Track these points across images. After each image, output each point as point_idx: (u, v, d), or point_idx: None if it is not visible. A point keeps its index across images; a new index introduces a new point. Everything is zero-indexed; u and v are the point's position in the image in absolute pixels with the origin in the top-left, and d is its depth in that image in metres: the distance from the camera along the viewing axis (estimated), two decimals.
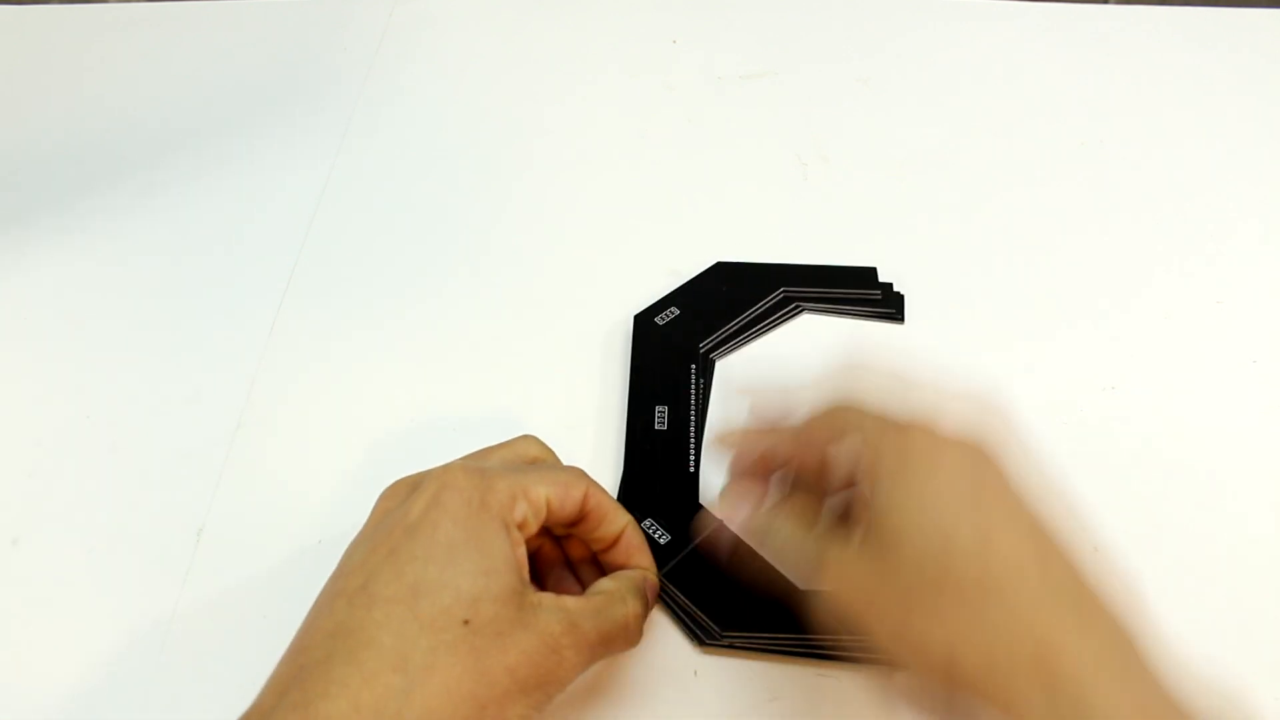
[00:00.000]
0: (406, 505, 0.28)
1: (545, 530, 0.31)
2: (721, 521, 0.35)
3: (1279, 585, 0.35)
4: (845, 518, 0.29)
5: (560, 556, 0.33)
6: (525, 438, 0.33)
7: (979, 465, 0.26)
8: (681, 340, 0.42)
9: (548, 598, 0.28)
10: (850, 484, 0.29)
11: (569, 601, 0.28)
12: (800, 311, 0.43)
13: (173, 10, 0.61)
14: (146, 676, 0.34)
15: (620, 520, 0.32)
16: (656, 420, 0.39)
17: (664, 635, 0.34)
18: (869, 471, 0.27)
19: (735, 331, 0.42)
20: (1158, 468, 0.38)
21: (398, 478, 0.31)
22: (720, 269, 0.45)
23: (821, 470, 0.30)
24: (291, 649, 0.27)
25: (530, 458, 0.33)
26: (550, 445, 0.34)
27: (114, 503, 0.38)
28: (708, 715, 0.32)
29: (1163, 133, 0.52)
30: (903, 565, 0.25)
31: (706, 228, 0.47)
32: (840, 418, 0.29)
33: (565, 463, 0.34)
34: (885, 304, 0.43)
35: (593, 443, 0.39)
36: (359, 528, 0.30)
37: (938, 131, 0.52)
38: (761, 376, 0.41)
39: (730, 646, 0.33)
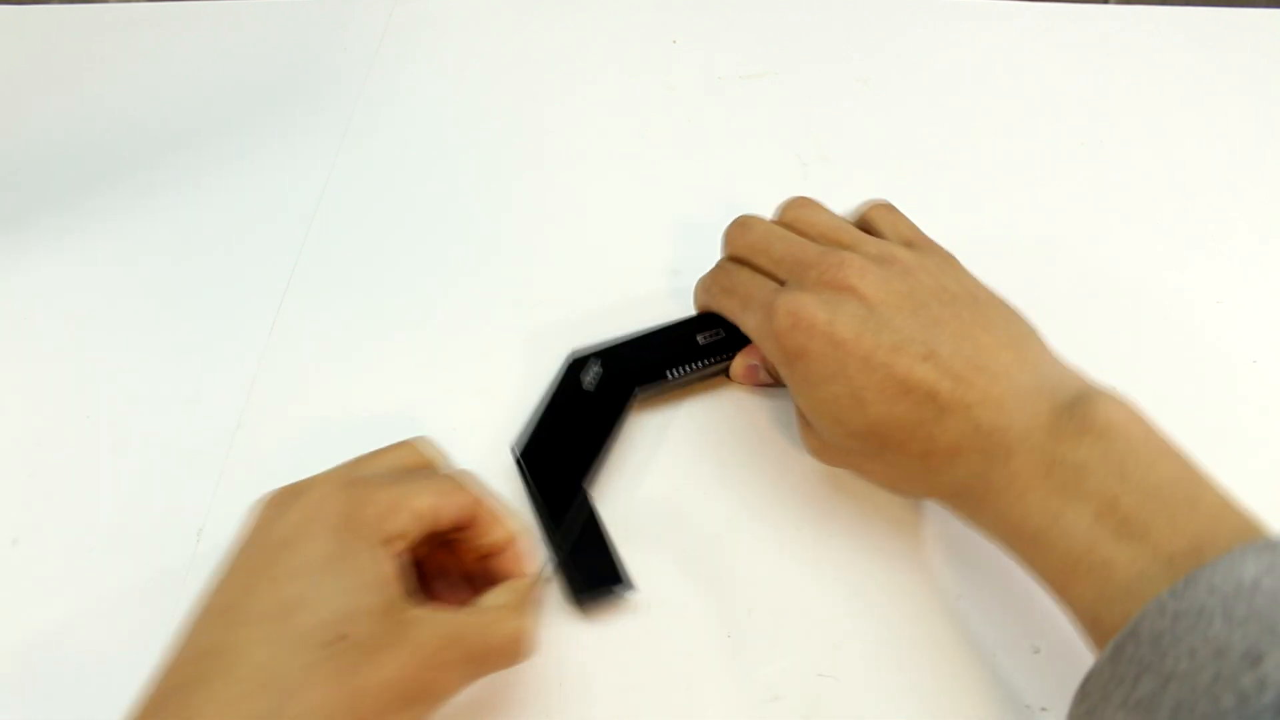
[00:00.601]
0: (279, 520, 0.28)
1: (434, 537, 0.30)
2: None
3: None
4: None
5: (451, 563, 0.32)
6: (407, 443, 0.32)
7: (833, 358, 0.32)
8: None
9: (427, 612, 0.27)
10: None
11: (452, 615, 0.28)
12: None
13: (173, 10, 0.61)
14: (147, 677, 0.33)
15: (509, 526, 0.31)
16: (586, 381, 0.39)
17: (664, 635, 0.34)
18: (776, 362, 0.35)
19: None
20: None
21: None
22: None
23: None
24: (162, 669, 0.26)
25: (410, 464, 0.32)
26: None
27: (114, 503, 0.38)
28: (707, 715, 0.32)
29: (1163, 133, 0.52)
30: (838, 445, 0.34)
31: (707, 228, 0.47)
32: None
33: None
34: None
35: None
36: None
37: (938, 131, 0.52)
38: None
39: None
